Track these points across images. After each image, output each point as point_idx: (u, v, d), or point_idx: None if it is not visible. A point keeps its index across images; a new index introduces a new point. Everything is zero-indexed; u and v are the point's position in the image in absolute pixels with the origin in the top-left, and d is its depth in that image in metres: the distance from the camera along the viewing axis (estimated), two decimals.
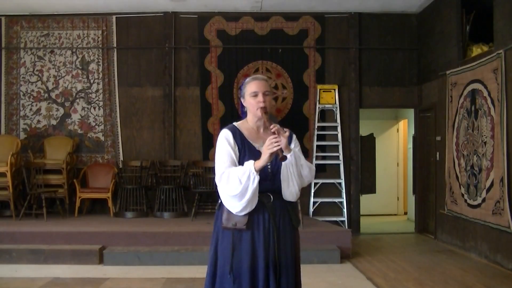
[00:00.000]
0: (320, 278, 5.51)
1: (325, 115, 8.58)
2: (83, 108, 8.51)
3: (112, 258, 6.15)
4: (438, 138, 7.70)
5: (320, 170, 8.49)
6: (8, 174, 7.50)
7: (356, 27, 8.54)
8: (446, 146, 7.29)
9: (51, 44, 8.51)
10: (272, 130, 2.54)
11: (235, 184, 2.52)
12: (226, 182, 2.55)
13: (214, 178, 2.68)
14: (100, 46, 8.50)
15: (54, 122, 8.50)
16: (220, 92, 8.46)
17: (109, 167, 8.31)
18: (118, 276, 5.62)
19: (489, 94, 6.12)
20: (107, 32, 8.51)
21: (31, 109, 8.49)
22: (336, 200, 8.44)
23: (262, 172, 2.58)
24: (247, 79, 2.79)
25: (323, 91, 8.47)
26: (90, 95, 8.51)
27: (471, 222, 6.59)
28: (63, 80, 8.51)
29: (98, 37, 8.51)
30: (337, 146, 8.49)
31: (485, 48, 6.58)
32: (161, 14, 8.51)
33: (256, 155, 2.62)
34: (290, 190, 2.66)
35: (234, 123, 2.78)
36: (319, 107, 8.46)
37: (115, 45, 8.53)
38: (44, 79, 8.51)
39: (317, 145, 8.44)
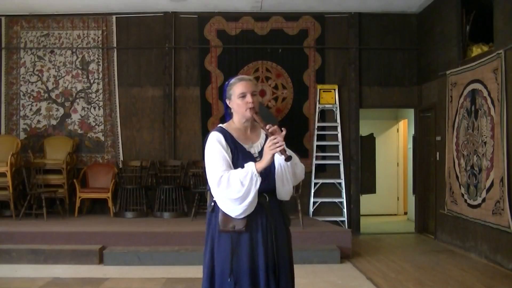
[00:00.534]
0: (320, 278, 5.51)
1: (325, 115, 8.58)
2: (83, 108, 8.51)
3: (112, 258, 6.16)
4: (438, 138, 7.70)
5: (320, 170, 8.50)
6: (8, 174, 7.50)
7: (356, 27, 8.54)
8: (446, 146, 7.29)
9: (51, 44, 8.51)
10: (270, 130, 2.51)
11: (237, 187, 2.47)
12: (226, 185, 2.49)
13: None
14: (100, 46, 8.50)
15: (54, 122, 8.50)
16: (220, 92, 8.47)
17: (109, 167, 8.31)
18: (118, 276, 5.63)
19: (489, 94, 6.12)
20: (107, 32, 8.51)
21: (31, 109, 8.49)
22: (336, 200, 8.44)
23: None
24: (232, 80, 2.74)
25: (323, 91, 8.47)
26: (90, 95, 8.51)
27: (471, 222, 6.59)
28: (63, 80, 8.51)
29: (98, 37, 8.51)
30: (337, 146, 8.49)
31: (485, 48, 6.58)
32: (161, 14, 8.51)
33: (248, 156, 2.60)
34: (285, 189, 2.65)
35: (221, 125, 2.73)
36: (319, 107, 8.46)
37: (115, 45, 8.53)
38: (44, 79, 8.51)
39: (317, 145, 8.44)
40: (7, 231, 6.60)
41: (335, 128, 8.51)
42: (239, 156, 2.61)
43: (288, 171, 2.61)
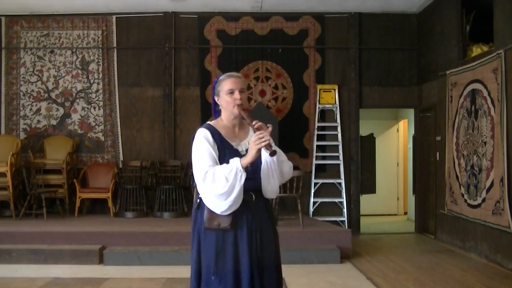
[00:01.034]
0: (320, 278, 5.51)
1: (325, 115, 8.58)
2: (83, 108, 8.51)
3: (112, 258, 6.15)
4: (438, 138, 7.70)
5: (320, 170, 8.50)
6: (8, 174, 7.50)
7: (356, 27, 8.54)
8: (446, 146, 7.29)
9: (51, 44, 8.51)
10: (256, 126, 2.51)
11: (221, 182, 2.46)
12: (211, 180, 2.50)
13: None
14: (100, 46, 8.50)
15: (54, 122, 8.50)
16: None
17: (109, 167, 8.32)
18: (118, 276, 5.62)
19: (489, 94, 6.12)
20: (107, 32, 8.51)
21: (31, 109, 8.49)
22: (336, 200, 8.44)
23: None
24: (222, 77, 2.73)
25: (323, 91, 8.47)
26: (90, 95, 8.51)
27: (471, 222, 6.59)
28: (63, 80, 8.51)
29: (98, 37, 8.51)
30: (337, 146, 8.49)
31: (485, 48, 6.58)
32: (161, 14, 8.51)
33: (235, 153, 2.59)
34: (271, 187, 2.64)
35: (209, 122, 2.73)
36: (319, 107, 8.46)
37: (115, 45, 8.53)
38: (44, 79, 8.51)
39: (317, 145, 8.44)
40: (7, 231, 6.60)
41: (335, 128, 8.51)
42: (225, 153, 2.60)
43: (274, 168, 2.60)
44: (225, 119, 2.73)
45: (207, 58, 8.54)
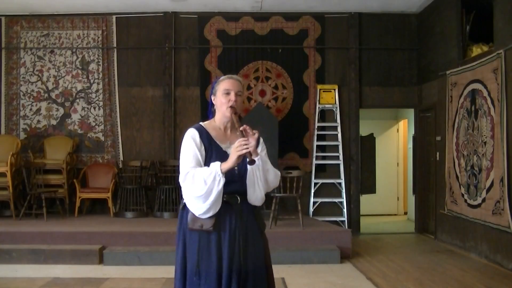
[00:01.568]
0: (320, 278, 5.51)
1: (325, 115, 8.58)
2: (83, 108, 8.51)
3: (112, 258, 6.16)
4: (438, 138, 7.70)
5: (320, 170, 8.51)
6: (8, 174, 7.50)
7: (356, 27, 8.54)
8: (446, 146, 7.29)
9: (51, 44, 8.51)
10: (241, 129, 2.50)
11: (200, 185, 2.46)
12: (191, 182, 2.50)
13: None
14: (100, 46, 8.50)
15: (54, 122, 8.50)
16: None
17: (109, 167, 8.32)
18: (118, 276, 5.63)
19: (489, 94, 6.12)
20: (107, 32, 8.51)
21: (31, 109, 8.49)
22: (336, 200, 8.44)
23: (229, 173, 2.53)
24: (222, 77, 2.73)
25: (323, 91, 8.47)
26: (90, 95, 8.51)
27: (471, 222, 6.59)
28: (63, 80, 8.51)
29: (98, 37, 8.51)
30: (337, 146, 8.49)
31: (485, 48, 6.58)
32: (161, 14, 8.51)
33: (222, 156, 2.57)
34: (256, 195, 2.61)
35: (201, 123, 2.72)
36: (319, 107, 8.46)
37: (115, 45, 8.53)
38: (44, 79, 8.51)
39: (317, 145, 8.44)
40: (7, 231, 6.60)
41: (335, 128, 8.51)
42: (212, 154, 2.58)
43: (259, 175, 2.57)
44: (217, 121, 2.72)
45: (207, 58, 8.54)
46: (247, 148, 2.42)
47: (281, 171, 7.06)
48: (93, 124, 8.51)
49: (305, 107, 8.53)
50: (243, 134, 2.49)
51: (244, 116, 8.03)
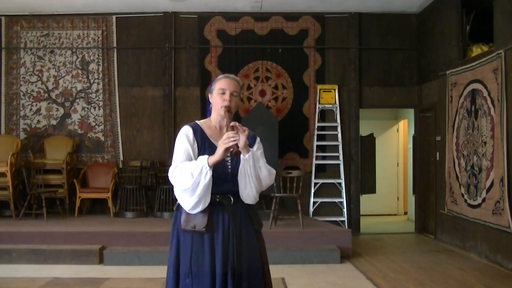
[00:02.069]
0: (320, 278, 5.51)
1: (325, 115, 8.59)
2: (83, 108, 8.51)
3: (112, 258, 6.16)
4: (438, 138, 7.70)
5: (320, 170, 8.51)
6: (8, 174, 7.50)
7: (356, 27, 8.54)
8: (446, 146, 7.29)
9: (51, 44, 8.51)
10: (231, 125, 2.50)
11: (187, 178, 2.44)
12: (178, 175, 2.48)
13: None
14: (100, 46, 8.50)
15: (54, 122, 8.50)
16: None
17: (109, 167, 8.32)
18: (118, 276, 5.63)
19: (489, 94, 6.12)
20: (107, 32, 8.52)
21: (31, 109, 8.49)
22: (336, 200, 8.44)
23: (222, 172, 2.53)
24: (219, 76, 2.73)
25: (323, 91, 8.47)
26: (90, 95, 8.51)
27: (471, 222, 6.59)
28: (63, 80, 8.51)
29: (98, 37, 8.51)
30: (337, 146, 8.49)
31: (485, 48, 6.58)
32: (161, 14, 8.51)
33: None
34: (247, 192, 2.58)
35: (197, 121, 2.72)
36: (319, 107, 8.46)
37: (115, 45, 8.53)
38: (44, 79, 8.51)
39: (317, 145, 8.44)
40: (7, 231, 6.60)
41: (335, 128, 8.51)
42: (205, 152, 2.56)
43: (250, 172, 2.55)
44: (213, 119, 2.72)
45: (207, 58, 8.54)
46: (234, 141, 2.41)
47: (281, 171, 7.07)
48: (93, 124, 8.51)
49: (305, 107, 8.54)
50: (233, 129, 2.49)
51: (244, 116, 8.05)
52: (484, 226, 6.25)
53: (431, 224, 8.07)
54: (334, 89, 8.49)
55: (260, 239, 2.70)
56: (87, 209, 8.31)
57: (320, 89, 8.47)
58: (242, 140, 2.45)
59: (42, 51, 8.51)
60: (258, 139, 2.74)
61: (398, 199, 10.76)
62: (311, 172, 8.41)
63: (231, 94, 2.64)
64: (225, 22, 8.54)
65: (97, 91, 8.51)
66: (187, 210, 2.52)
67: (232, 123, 2.50)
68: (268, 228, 6.40)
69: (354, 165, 8.54)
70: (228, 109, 2.61)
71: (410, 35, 8.64)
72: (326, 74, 8.59)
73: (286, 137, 8.20)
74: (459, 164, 6.91)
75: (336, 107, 8.48)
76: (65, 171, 7.90)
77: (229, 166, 2.58)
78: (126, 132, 8.53)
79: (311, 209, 8.35)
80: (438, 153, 7.73)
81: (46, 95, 8.50)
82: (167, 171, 8.73)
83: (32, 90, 8.50)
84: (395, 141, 10.81)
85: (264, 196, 7.31)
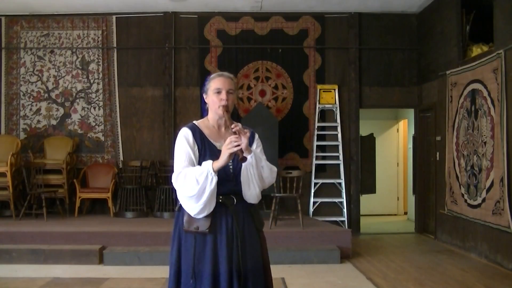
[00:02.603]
0: (320, 278, 5.51)
1: (325, 115, 8.59)
2: (83, 108, 8.51)
3: (112, 258, 6.16)
4: (438, 138, 7.70)
5: (320, 170, 8.51)
6: (8, 174, 7.50)
7: (356, 27, 8.54)
8: (446, 146, 7.29)
9: (51, 44, 8.51)
10: (233, 130, 2.46)
11: (192, 185, 2.42)
12: (183, 182, 2.46)
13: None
14: (100, 46, 8.50)
15: (54, 122, 8.50)
16: None
17: (109, 167, 8.32)
18: (118, 276, 5.63)
19: (489, 94, 6.12)
20: (107, 32, 8.51)
21: (31, 109, 8.49)
22: (336, 200, 8.44)
23: (224, 172, 2.50)
24: (212, 75, 2.69)
25: (323, 91, 8.47)
26: (90, 95, 8.51)
27: (471, 222, 6.59)
28: (63, 80, 8.51)
29: (98, 37, 8.51)
30: (337, 146, 8.49)
31: (485, 48, 6.58)
32: (161, 14, 8.51)
33: (217, 154, 2.52)
34: (251, 192, 2.57)
35: (194, 122, 2.69)
36: (319, 107, 8.46)
37: (115, 45, 8.53)
38: (44, 79, 8.51)
39: (317, 145, 8.44)
40: (7, 231, 6.60)
41: (335, 128, 8.51)
42: (206, 153, 2.55)
43: (253, 172, 2.53)
44: (210, 119, 2.69)
45: (207, 58, 8.54)
46: (238, 146, 2.39)
47: (281, 171, 7.07)
48: (93, 124, 8.51)
49: (305, 107, 8.54)
50: (235, 133, 2.47)
51: (244, 116, 8.05)
52: (484, 226, 6.25)
53: (431, 224, 8.07)
54: (334, 89, 8.49)
55: (261, 237, 2.69)
56: (87, 209, 8.31)
57: (320, 89, 8.47)
58: (244, 142, 2.43)
59: (42, 51, 8.51)
60: (256, 136, 2.71)
61: (398, 199, 10.75)
62: (311, 172, 8.41)
63: (228, 93, 2.60)
64: (225, 22, 8.54)
65: (97, 91, 8.51)
66: (192, 215, 2.50)
67: (234, 128, 2.47)
68: (268, 228, 6.40)
69: (354, 165, 8.54)
70: (226, 108, 2.59)
71: (410, 35, 8.64)
72: (326, 74, 8.59)
73: (286, 137, 8.20)
74: (459, 164, 6.91)
75: (336, 107, 8.48)
76: (65, 171, 7.90)
77: (231, 166, 2.56)
78: (126, 132, 8.53)
79: (311, 209, 8.35)
80: (438, 153, 7.73)
81: (46, 95, 8.50)
82: (167, 171, 8.74)
83: (32, 90, 8.50)
84: (395, 141, 10.81)
85: (264, 196, 7.31)
